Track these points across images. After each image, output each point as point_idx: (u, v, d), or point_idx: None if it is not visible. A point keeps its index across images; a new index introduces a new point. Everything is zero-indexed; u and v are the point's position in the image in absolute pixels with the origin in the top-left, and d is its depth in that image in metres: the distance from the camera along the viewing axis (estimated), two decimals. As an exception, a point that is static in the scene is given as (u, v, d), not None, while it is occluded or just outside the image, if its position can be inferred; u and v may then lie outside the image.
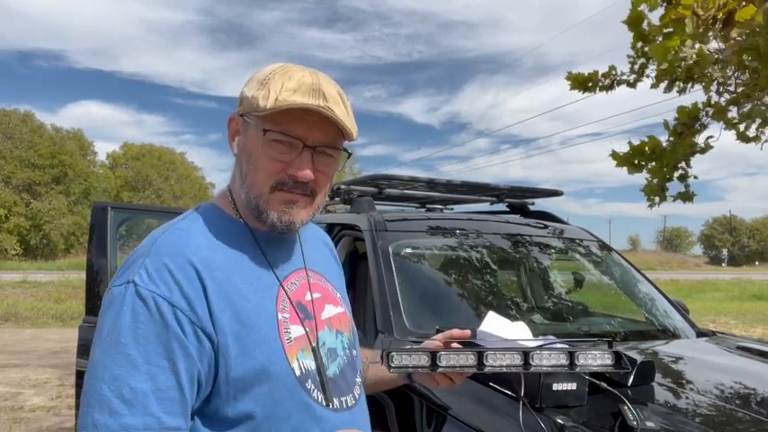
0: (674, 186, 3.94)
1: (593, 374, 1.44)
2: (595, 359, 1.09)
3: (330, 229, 2.90)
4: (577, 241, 2.88)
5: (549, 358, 1.07)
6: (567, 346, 1.16)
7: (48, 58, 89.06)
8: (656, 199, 3.88)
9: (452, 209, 3.81)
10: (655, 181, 3.82)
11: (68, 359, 6.81)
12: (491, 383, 1.52)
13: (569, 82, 3.99)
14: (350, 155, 1.02)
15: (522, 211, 3.33)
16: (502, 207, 3.44)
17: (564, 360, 1.08)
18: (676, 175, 3.82)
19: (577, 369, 1.09)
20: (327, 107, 0.91)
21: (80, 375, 2.35)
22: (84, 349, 2.36)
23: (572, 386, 1.38)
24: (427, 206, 3.76)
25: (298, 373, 0.93)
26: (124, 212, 2.80)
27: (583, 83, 3.95)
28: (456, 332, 1.21)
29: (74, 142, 35.96)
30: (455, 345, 1.20)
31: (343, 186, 3.07)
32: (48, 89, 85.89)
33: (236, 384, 0.88)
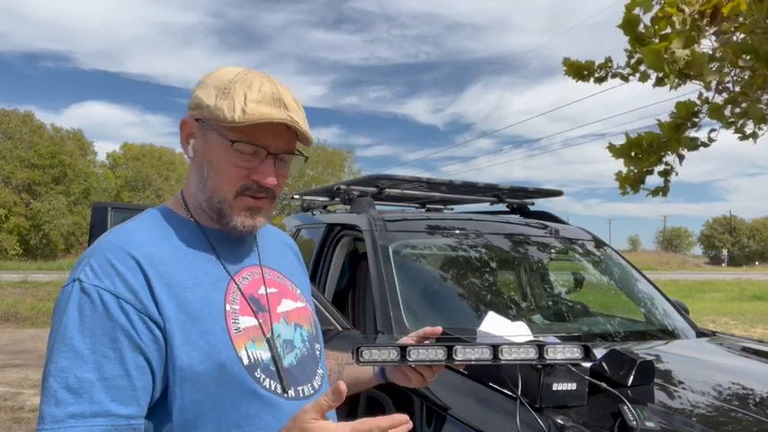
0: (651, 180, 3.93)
1: (593, 374, 1.45)
2: (564, 352, 1.10)
3: (330, 229, 2.89)
4: (577, 241, 2.88)
5: (519, 352, 1.08)
6: (536, 341, 1.17)
7: (54, 59, 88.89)
8: (629, 189, 3.88)
9: (452, 209, 3.81)
10: (634, 172, 3.81)
11: (68, 359, 6.80)
12: (491, 384, 1.52)
13: (565, 68, 4.00)
14: (306, 158, 1.08)
15: (522, 211, 3.33)
16: (502, 207, 3.44)
17: (533, 354, 1.09)
18: (659, 169, 3.81)
19: (547, 361, 1.10)
20: (292, 118, 0.97)
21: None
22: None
23: (572, 386, 1.38)
24: (427, 206, 3.77)
25: (246, 362, 0.95)
26: (124, 212, 2.79)
27: (578, 70, 3.96)
28: (428, 330, 1.23)
29: (74, 142, 35.95)
30: (427, 342, 1.21)
31: (343, 186, 3.07)
32: (54, 90, 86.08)
33: (182, 373, 0.89)
